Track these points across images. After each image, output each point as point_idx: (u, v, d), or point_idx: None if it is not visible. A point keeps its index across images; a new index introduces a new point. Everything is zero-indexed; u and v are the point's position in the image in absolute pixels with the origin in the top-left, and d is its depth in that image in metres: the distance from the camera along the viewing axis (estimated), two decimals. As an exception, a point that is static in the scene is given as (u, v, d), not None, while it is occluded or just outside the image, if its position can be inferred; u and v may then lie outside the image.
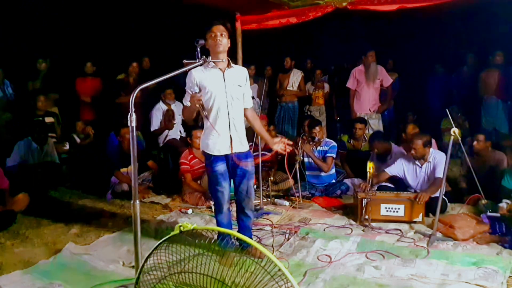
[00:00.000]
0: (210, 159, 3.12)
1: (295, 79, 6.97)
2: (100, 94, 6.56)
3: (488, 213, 3.81)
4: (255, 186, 4.97)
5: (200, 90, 3.06)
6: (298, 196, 4.76)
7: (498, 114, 6.23)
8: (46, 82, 6.33)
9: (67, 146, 5.68)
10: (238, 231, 3.31)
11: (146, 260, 1.95)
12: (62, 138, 5.95)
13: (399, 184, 4.57)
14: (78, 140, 6.03)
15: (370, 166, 4.05)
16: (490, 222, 3.66)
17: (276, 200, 4.80)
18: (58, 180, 5.26)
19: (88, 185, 5.24)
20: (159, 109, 5.98)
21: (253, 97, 6.91)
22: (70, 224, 4.02)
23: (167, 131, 5.90)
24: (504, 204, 3.73)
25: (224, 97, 3.04)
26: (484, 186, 4.03)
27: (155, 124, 5.94)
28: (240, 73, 3.20)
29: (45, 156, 5.23)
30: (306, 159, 5.22)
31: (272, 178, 5.07)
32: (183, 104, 3.21)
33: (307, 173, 5.22)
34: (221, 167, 3.13)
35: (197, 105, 2.93)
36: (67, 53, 6.71)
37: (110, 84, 6.59)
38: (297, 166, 4.74)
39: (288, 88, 6.97)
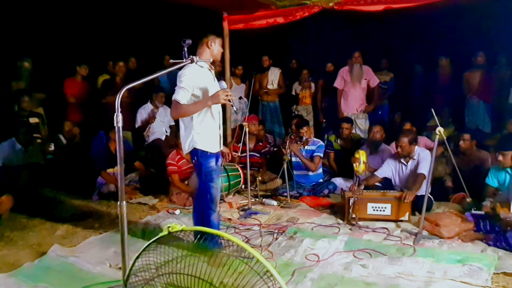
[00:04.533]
0: (206, 155, 3.13)
1: (273, 76, 6.98)
2: (87, 94, 6.50)
3: (473, 211, 3.86)
4: (242, 186, 5.01)
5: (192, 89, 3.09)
6: (286, 196, 4.78)
7: (480, 114, 6.34)
8: (31, 82, 6.23)
9: (52, 147, 5.61)
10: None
11: (135, 262, 1.93)
12: (48, 139, 5.87)
13: (385, 182, 4.63)
14: (64, 140, 5.95)
15: (362, 153, 4.09)
16: (474, 220, 3.70)
17: (264, 200, 4.81)
18: (43, 181, 5.19)
19: (74, 186, 5.18)
20: (145, 108, 6.10)
21: (240, 97, 7.00)
22: (56, 226, 3.97)
23: (151, 125, 5.96)
24: (487, 203, 3.79)
25: None
26: (469, 185, 4.10)
27: (139, 121, 6.07)
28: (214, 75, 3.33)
29: (30, 157, 5.15)
30: (293, 159, 5.23)
31: (260, 178, 5.07)
32: (176, 103, 3.10)
33: (295, 172, 5.24)
34: (214, 163, 3.18)
35: (227, 100, 2.98)
36: (51, 53, 6.62)
37: (95, 84, 6.53)
38: (285, 165, 4.75)
39: (268, 87, 6.98)
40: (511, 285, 2.74)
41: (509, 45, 6.02)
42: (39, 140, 5.56)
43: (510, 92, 6.20)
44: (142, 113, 6.06)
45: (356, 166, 4.28)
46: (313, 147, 5.24)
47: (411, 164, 4.43)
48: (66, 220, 4.13)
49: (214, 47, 3.20)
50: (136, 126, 6.07)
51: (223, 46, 3.32)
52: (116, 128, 2.27)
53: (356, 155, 4.09)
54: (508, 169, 3.90)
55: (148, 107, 6.07)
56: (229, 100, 3.00)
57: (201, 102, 3.06)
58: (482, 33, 6.24)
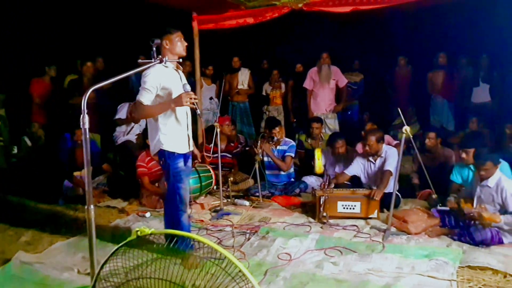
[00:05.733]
0: (173, 156, 3.09)
1: (243, 77, 7.03)
2: (53, 95, 6.31)
3: (438, 207, 3.98)
4: (214, 186, 4.98)
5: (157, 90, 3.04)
6: (258, 196, 4.79)
7: (444, 113, 6.55)
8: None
9: (15, 150, 5.41)
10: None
11: (102, 267, 1.89)
12: (11, 142, 5.67)
13: (354, 180, 4.72)
14: (29, 143, 5.76)
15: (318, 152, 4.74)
16: (440, 215, 3.82)
17: (236, 200, 4.80)
18: (7, 185, 5.00)
19: (39, 189, 5.01)
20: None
21: (211, 98, 6.97)
22: (20, 232, 3.84)
23: (132, 123, 5.77)
24: (452, 198, 3.91)
25: None
26: (435, 182, 4.22)
27: (122, 114, 5.77)
28: (184, 76, 3.26)
29: (-9, 161, 4.97)
30: (265, 159, 5.25)
31: (232, 178, 5.06)
32: (139, 104, 3.04)
33: (266, 172, 5.25)
34: (182, 163, 3.15)
35: (192, 104, 2.94)
36: (14, 53, 6.39)
37: (62, 84, 6.35)
38: (256, 165, 4.76)
39: (239, 87, 7.01)
40: (476, 278, 2.84)
41: (470, 46, 6.28)
42: (1, 143, 5.36)
43: (473, 91, 6.45)
44: (126, 107, 5.84)
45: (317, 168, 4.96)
46: (285, 147, 5.28)
47: (379, 161, 4.53)
48: (30, 226, 3.99)
49: (171, 46, 3.09)
50: (117, 117, 5.79)
51: (187, 40, 3.20)
52: (82, 129, 2.22)
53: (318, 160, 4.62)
54: (471, 166, 4.04)
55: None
56: (193, 103, 2.95)
57: (164, 104, 3.02)
58: (446, 34, 6.47)
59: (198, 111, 3.14)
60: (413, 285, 2.74)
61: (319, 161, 5.09)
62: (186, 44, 3.18)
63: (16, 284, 2.85)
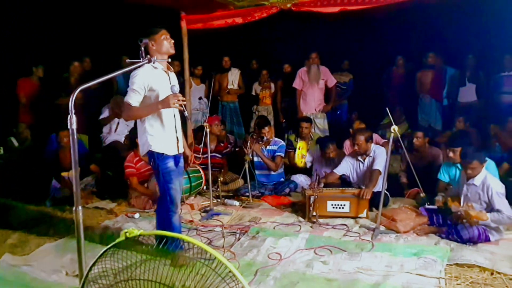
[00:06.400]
0: (162, 157, 3.08)
1: (233, 77, 7.04)
2: (39, 95, 6.23)
3: (426, 206, 4.03)
4: (204, 187, 4.97)
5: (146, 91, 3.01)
6: (248, 196, 4.78)
7: (432, 112, 6.62)
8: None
9: (1, 151, 5.34)
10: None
11: (90, 269, 1.87)
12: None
13: (344, 179, 4.75)
14: (16, 143, 5.68)
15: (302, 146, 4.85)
16: (428, 214, 3.86)
17: (226, 200, 4.80)
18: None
19: (26, 191, 4.94)
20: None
21: (200, 98, 6.95)
22: (6, 234, 3.78)
23: (117, 119, 5.75)
24: (439, 197, 3.96)
25: None
26: (423, 180, 4.26)
27: (105, 114, 5.82)
28: (175, 77, 3.25)
29: (-23, 162, 4.89)
30: (255, 159, 5.25)
31: (221, 178, 5.05)
32: (127, 105, 3.03)
33: (256, 172, 5.25)
34: (172, 164, 3.13)
35: (179, 106, 2.91)
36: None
37: (50, 84, 6.27)
38: (246, 165, 4.76)
39: (229, 87, 7.01)
40: (463, 275, 2.87)
41: (456, 46, 6.35)
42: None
43: (459, 91, 6.53)
44: (107, 109, 5.87)
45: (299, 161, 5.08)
46: (275, 147, 5.29)
47: (367, 161, 4.57)
48: (17, 228, 3.94)
49: (157, 45, 3.05)
50: (101, 117, 5.83)
51: (175, 40, 3.17)
52: (70, 130, 2.20)
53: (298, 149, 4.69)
54: (458, 165, 4.09)
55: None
56: (181, 105, 2.92)
57: (152, 106, 3.00)
58: (434, 34, 6.52)
59: (186, 113, 3.09)
60: (402, 283, 2.77)
61: (299, 151, 5.14)
62: (173, 41, 3.13)
63: (4, 287, 2.81)
